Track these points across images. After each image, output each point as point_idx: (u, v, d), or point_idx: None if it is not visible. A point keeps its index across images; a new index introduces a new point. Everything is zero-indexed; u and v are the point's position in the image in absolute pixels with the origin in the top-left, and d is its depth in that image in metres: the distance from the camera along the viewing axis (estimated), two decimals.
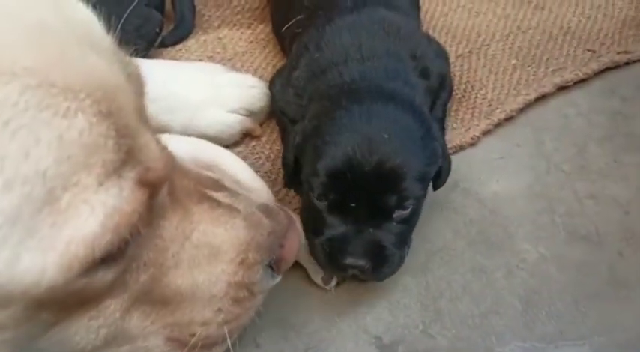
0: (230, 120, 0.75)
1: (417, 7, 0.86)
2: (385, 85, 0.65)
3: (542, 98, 0.85)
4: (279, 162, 0.77)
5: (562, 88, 0.86)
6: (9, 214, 0.32)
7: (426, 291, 0.65)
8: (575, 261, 0.68)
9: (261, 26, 0.97)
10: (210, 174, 0.52)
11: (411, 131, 0.61)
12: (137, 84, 0.42)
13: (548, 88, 0.85)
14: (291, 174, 0.67)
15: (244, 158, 0.76)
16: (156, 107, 0.70)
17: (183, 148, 0.58)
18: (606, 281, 0.67)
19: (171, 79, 0.73)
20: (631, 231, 0.71)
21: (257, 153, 0.78)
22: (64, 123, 0.34)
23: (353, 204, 0.59)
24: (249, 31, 0.97)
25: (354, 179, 0.58)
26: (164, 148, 0.43)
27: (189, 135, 0.73)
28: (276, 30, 0.88)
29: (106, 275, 0.38)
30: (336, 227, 0.60)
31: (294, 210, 0.71)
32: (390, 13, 0.72)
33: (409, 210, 0.60)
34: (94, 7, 0.88)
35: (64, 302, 0.37)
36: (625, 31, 0.95)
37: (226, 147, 0.77)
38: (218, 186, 0.50)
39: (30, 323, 0.36)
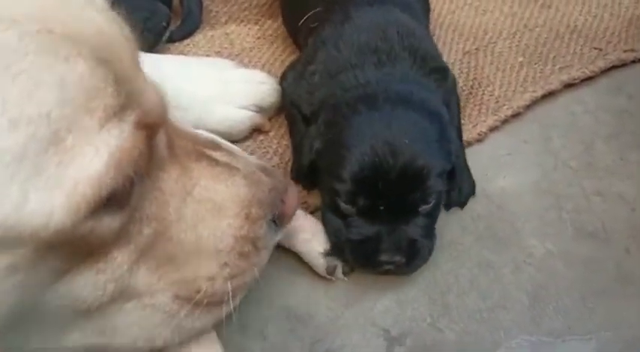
0: (240, 116, 0.75)
1: (428, 9, 0.87)
2: (401, 89, 0.66)
3: (549, 95, 0.85)
4: (287, 155, 0.77)
5: (569, 86, 0.87)
6: (15, 152, 0.33)
7: (434, 285, 0.65)
8: (583, 257, 0.68)
9: (268, 22, 0.98)
10: (207, 135, 0.53)
11: (428, 132, 0.63)
12: (131, 43, 0.43)
13: (555, 85, 0.85)
14: (306, 176, 0.69)
15: (252, 152, 0.77)
16: None
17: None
18: (613, 277, 0.67)
19: (181, 76, 0.73)
20: (638, 228, 0.71)
21: (265, 148, 0.78)
22: (65, 68, 0.34)
23: (381, 206, 0.61)
24: (257, 27, 0.97)
25: (380, 183, 0.60)
26: (159, 94, 0.44)
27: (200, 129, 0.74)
28: (288, 23, 0.88)
29: (112, 222, 0.39)
30: (367, 228, 0.62)
31: (304, 203, 0.72)
32: (404, 15, 0.73)
33: (432, 203, 0.62)
34: None
35: (72, 248, 0.37)
36: (631, 29, 0.95)
37: (234, 141, 0.77)
38: (216, 146, 0.51)
39: (40, 268, 0.37)
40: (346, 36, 0.70)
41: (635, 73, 0.90)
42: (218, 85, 0.75)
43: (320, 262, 0.66)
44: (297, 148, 0.72)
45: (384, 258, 0.61)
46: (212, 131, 0.74)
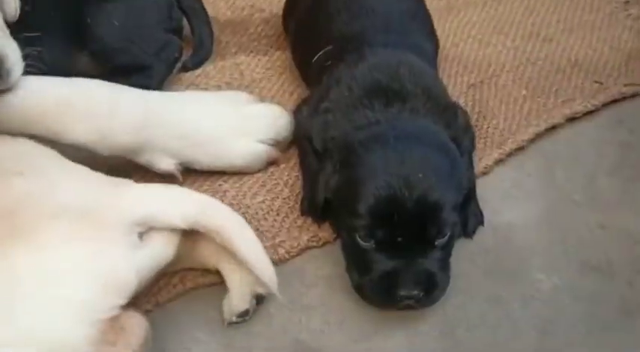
0: (258, 151, 0.77)
1: (437, 47, 0.89)
2: (412, 126, 0.68)
3: (552, 128, 0.87)
4: (297, 187, 0.78)
5: (571, 119, 0.89)
6: None
7: (444, 319, 0.66)
8: (588, 291, 0.70)
9: (277, 53, 1.00)
10: None
11: (440, 166, 0.65)
12: None
13: (557, 118, 0.88)
14: (320, 212, 0.71)
15: (263, 184, 0.79)
16: (184, 143, 0.73)
17: (188, 208, 0.60)
18: (618, 311, 0.68)
19: (199, 112, 0.75)
20: None
21: (276, 180, 0.80)
22: None
23: (398, 240, 0.63)
24: (266, 58, 0.99)
25: (396, 217, 0.62)
26: None
27: (216, 167, 0.75)
28: (299, 58, 0.90)
29: None
30: (385, 262, 0.64)
31: (314, 237, 0.73)
32: (414, 57, 0.76)
33: (447, 235, 0.64)
34: (116, 31, 0.90)
35: None
36: (631, 63, 0.98)
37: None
38: None
39: None
40: (359, 76, 0.73)
41: (635, 106, 0.92)
42: (236, 120, 0.76)
43: (244, 299, 0.65)
44: (309, 184, 0.74)
45: (403, 292, 0.62)
46: (230, 166, 0.76)
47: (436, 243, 0.64)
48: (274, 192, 0.78)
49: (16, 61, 0.69)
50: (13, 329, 0.50)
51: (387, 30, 0.79)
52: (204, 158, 0.74)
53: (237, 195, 0.77)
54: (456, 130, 0.72)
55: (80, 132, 0.67)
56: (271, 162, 0.80)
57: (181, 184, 0.74)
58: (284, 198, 0.77)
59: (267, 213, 0.75)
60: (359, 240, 0.65)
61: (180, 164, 0.74)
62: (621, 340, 0.66)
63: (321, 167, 0.71)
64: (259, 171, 0.79)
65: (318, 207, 0.71)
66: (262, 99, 0.89)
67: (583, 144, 0.87)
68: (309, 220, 0.75)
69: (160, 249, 0.60)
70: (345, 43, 0.79)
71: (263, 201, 0.76)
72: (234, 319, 0.65)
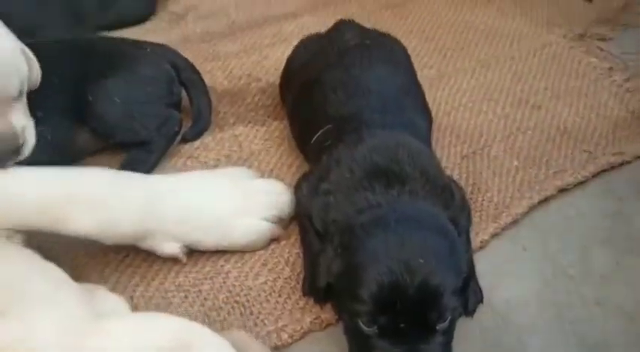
0: (262, 229, 0.78)
1: (431, 122, 0.92)
2: (411, 209, 0.70)
3: (544, 200, 0.90)
4: (298, 266, 0.79)
5: (563, 190, 0.91)
6: None
7: None
8: None
9: (275, 123, 1.02)
10: None
11: (440, 251, 0.66)
12: None
13: (550, 190, 0.90)
14: (322, 296, 0.71)
15: (265, 263, 0.80)
16: (188, 227, 0.74)
17: (161, 328, 0.58)
18: None
19: (200, 193, 0.76)
20: (636, 336, 0.75)
21: (277, 258, 0.81)
22: None
23: (401, 326, 0.63)
24: (264, 129, 1.01)
25: (398, 302, 0.62)
26: None
27: (220, 247, 0.76)
28: (298, 135, 0.92)
29: None
30: (388, 349, 0.64)
31: (316, 319, 0.74)
32: (411, 138, 0.78)
33: (448, 319, 0.65)
34: (117, 108, 0.92)
35: None
36: (618, 131, 1.01)
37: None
38: None
39: None
40: (359, 158, 0.74)
41: (624, 174, 0.95)
42: (239, 199, 0.77)
43: None
44: (311, 265, 0.75)
45: None
46: (234, 246, 0.77)
47: (437, 327, 0.65)
48: (276, 272, 0.79)
49: (31, 139, 0.71)
50: None
51: (384, 110, 0.81)
52: (209, 239, 0.75)
53: (240, 276, 0.77)
54: (454, 211, 0.74)
55: (81, 224, 0.68)
56: (273, 239, 0.81)
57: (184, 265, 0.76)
58: (285, 278, 0.78)
59: (270, 294, 0.76)
60: (361, 325, 0.65)
61: (185, 246, 0.75)
62: None
63: (322, 249, 0.72)
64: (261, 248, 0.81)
65: (320, 290, 0.72)
66: (262, 173, 0.92)
67: (575, 215, 0.89)
68: (311, 301, 0.75)
69: None
70: (343, 122, 0.81)
71: (265, 282, 0.77)
72: None
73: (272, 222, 0.79)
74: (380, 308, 0.64)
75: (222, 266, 0.78)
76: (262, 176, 0.89)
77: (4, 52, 0.69)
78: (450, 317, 0.65)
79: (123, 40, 0.98)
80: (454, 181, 0.82)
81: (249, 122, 1.03)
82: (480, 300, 0.76)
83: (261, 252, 0.81)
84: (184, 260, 0.76)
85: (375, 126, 0.78)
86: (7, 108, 0.69)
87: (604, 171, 0.95)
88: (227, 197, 0.77)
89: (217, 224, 0.76)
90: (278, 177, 0.90)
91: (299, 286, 0.77)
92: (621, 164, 0.96)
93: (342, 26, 0.96)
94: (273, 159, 0.96)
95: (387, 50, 0.92)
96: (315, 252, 0.74)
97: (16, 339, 0.54)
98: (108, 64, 0.89)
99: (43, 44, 0.85)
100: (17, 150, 0.68)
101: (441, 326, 0.65)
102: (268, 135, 1.00)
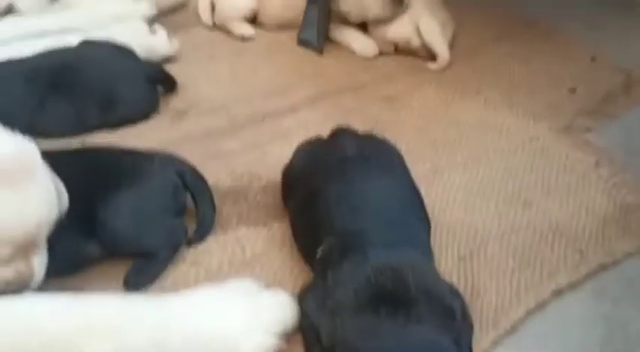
0: (271, 344, 0.79)
1: (429, 227, 0.94)
2: (416, 337, 0.72)
3: (541, 303, 0.92)
4: None
5: (557, 292, 0.94)
6: None
7: None
8: None
9: (276, 224, 1.05)
10: None
11: None
12: None
13: (545, 294, 0.93)
14: None
15: None
16: (198, 345, 0.75)
17: None
18: None
19: (211, 314, 0.78)
20: None
21: None
22: None
23: None
24: (266, 230, 1.04)
25: None
26: None
27: None
28: (299, 242, 0.95)
29: None
30: None
31: None
32: (415, 255, 0.81)
33: None
34: (126, 221, 0.95)
35: None
36: (607, 229, 1.05)
37: None
38: None
39: None
40: (364, 280, 0.77)
41: (616, 274, 0.98)
42: (247, 316, 0.78)
43: None
44: None
45: None
46: None
47: None
48: None
49: (40, 273, 0.73)
50: None
51: (387, 227, 0.84)
52: None
53: None
54: (458, 332, 0.76)
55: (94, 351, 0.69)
56: None
57: None
58: None
59: None
60: None
61: None
62: None
63: None
64: None
65: None
66: (266, 279, 0.93)
67: (570, 320, 0.91)
68: None
69: None
70: (348, 238, 0.84)
71: None
72: None
73: (279, 337, 0.81)
74: None
75: None
76: (267, 284, 0.90)
77: (43, 196, 0.73)
78: None
79: (131, 152, 1.01)
80: (455, 292, 0.84)
81: (251, 223, 1.05)
82: None
83: None
84: None
85: (379, 245, 0.81)
86: (33, 248, 0.72)
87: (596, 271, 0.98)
88: (235, 315, 0.79)
89: (226, 341, 0.77)
90: (281, 283, 0.92)
91: None
92: (613, 263, 1.00)
93: (340, 135, 1.01)
94: (275, 262, 0.98)
95: (385, 159, 0.97)
96: None
97: None
98: (117, 177, 0.92)
99: (52, 156, 0.88)
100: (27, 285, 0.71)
101: None
102: (270, 237, 1.03)
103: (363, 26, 1.60)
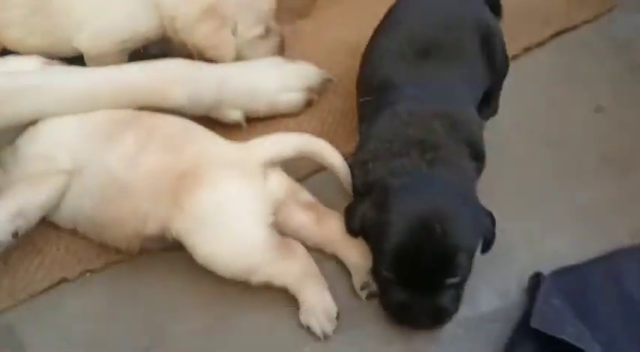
0: (298, 97, 1.03)
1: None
2: (438, 178, 0.79)
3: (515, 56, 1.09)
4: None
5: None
6: None
7: None
8: None
9: None
10: None
11: (461, 214, 0.76)
12: None
13: (518, 51, 1.11)
14: (356, 235, 0.84)
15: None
16: (247, 99, 1.00)
17: (295, 142, 0.91)
18: None
19: (256, 76, 1.00)
20: None
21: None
22: None
23: (414, 277, 0.74)
24: None
25: (415, 258, 0.74)
26: None
27: (269, 114, 1.03)
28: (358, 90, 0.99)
29: None
30: (402, 293, 0.76)
31: None
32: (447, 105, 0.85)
33: (458, 277, 0.75)
34: None
35: None
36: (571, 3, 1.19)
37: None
38: None
39: None
40: (392, 129, 0.83)
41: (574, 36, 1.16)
42: (280, 78, 1.02)
43: (361, 276, 0.83)
44: (351, 209, 0.84)
45: (414, 321, 0.77)
46: (279, 111, 1.04)
47: (448, 282, 0.74)
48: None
49: None
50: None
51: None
52: (261, 108, 1.01)
53: None
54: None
55: (179, 97, 0.93)
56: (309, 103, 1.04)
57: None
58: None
59: None
60: (383, 271, 0.77)
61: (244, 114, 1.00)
62: None
63: (361, 200, 0.83)
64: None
65: (354, 231, 0.83)
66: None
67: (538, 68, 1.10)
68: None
69: (276, 184, 0.87)
70: (379, 96, 0.89)
71: None
72: (363, 294, 0.83)
73: (305, 91, 1.03)
74: (398, 260, 0.74)
75: None
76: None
77: None
78: (460, 275, 0.75)
79: None
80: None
81: None
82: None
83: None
84: (244, 124, 1.00)
85: (409, 100, 0.86)
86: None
87: None
88: (272, 78, 1.02)
89: (267, 96, 1.01)
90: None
91: None
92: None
93: None
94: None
95: None
96: (356, 200, 0.85)
97: (200, 155, 0.86)
98: None
99: None
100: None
101: (451, 281, 0.74)
102: None
103: None
